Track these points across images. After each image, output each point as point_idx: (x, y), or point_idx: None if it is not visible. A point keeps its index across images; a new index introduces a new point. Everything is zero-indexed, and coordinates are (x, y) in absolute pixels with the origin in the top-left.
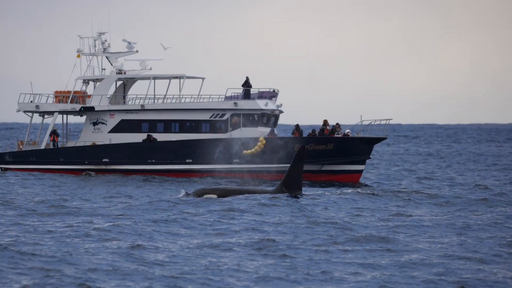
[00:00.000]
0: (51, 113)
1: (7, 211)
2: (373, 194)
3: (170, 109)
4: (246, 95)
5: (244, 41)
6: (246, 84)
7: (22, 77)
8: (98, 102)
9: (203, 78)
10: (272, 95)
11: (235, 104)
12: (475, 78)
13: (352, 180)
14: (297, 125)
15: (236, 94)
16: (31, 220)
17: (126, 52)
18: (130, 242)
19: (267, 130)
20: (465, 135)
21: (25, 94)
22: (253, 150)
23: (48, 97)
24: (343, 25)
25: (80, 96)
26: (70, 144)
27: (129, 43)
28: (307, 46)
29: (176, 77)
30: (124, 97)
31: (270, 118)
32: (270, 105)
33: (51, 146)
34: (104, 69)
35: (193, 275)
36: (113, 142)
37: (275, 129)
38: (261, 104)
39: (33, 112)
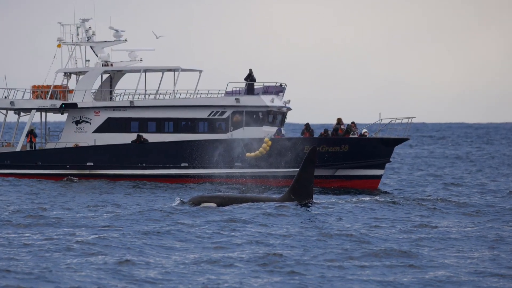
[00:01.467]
0: (28, 110)
1: None
2: (394, 202)
3: (163, 106)
4: (250, 90)
5: (247, 28)
6: (250, 78)
7: None
8: (81, 98)
9: (200, 71)
10: (279, 90)
11: (237, 100)
12: (510, 71)
13: (369, 186)
14: (307, 124)
15: (238, 89)
16: (5, 232)
17: (113, 41)
18: (117, 257)
19: (273, 129)
20: (498, 135)
21: None
22: (257, 152)
23: (24, 92)
24: (361, 10)
25: (60, 91)
26: (50, 145)
27: (117, 31)
28: (320, 34)
29: (170, 70)
30: (110, 93)
31: (276, 116)
32: (277, 102)
33: (28, 148)
34: (88, 60)
35: None
36: (98, 143)
37: (282, 128)
38: (266, 100)
39: (7, 109)
